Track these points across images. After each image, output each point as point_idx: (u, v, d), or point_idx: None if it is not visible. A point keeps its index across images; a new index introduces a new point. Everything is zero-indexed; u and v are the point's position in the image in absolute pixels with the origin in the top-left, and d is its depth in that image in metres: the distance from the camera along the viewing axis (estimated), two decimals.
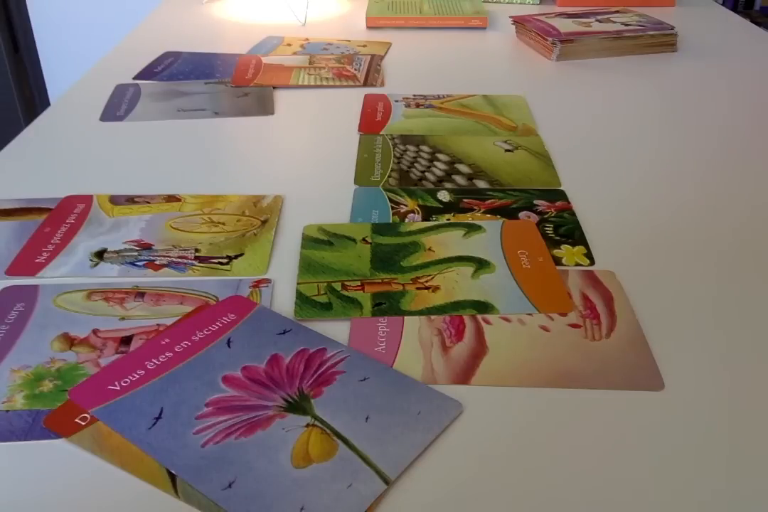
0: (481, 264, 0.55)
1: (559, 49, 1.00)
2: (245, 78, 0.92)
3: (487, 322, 0.49)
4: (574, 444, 0.40)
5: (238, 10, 1.25)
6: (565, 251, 0.57)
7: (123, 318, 0.49)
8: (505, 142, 0.75)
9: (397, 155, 0.72)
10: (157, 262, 0.55)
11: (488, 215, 0.62)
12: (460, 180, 0.68)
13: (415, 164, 0.70)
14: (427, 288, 0.52)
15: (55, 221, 0.60)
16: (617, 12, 1.11)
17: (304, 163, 0.71)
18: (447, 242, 0.57)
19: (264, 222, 0.60)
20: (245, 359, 0.45)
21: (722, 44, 1.07)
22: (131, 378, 0.43)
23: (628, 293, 0.52)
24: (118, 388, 0.43)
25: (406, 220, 0.61)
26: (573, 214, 0.62)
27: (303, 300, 0.51)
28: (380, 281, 0.53)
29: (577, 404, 0.43)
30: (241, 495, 0.36)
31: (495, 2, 1.29)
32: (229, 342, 0.46)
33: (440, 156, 0.72)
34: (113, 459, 0.39)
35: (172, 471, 0.38)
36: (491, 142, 0.75)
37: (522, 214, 0.62)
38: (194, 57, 1.00)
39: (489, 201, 0.64)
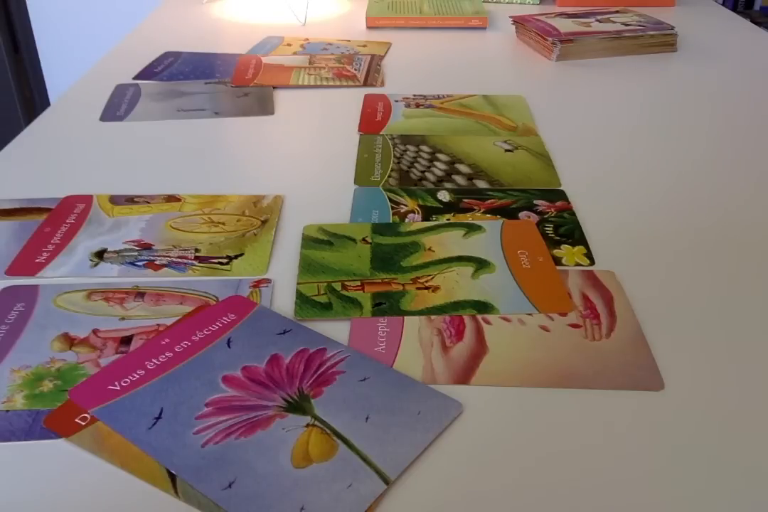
0: (481, 264, 0.55)
1: (559, 49, 1.00)
2: (245, 78, 0.92)
3: (487, 322, 0.49)
4: (574, 444, 0.40)
5: (238, 10, 1.25)
6: (565, 251, 0.57)
7: (123, 318, 0.49)
8: (505, 142, 0.75)
9: (397, 155, 0.72)
10: (157, 262, 0.55)
11: (488, 215, 0.62)
12: (460, 180, 0.68)
13: (415, 164, 0.70)
14: (427, 288, 0.52)
15: (55, 221, 0.60)
16: (617, 12, 1.11)
17: (304, 163, 0.71)
18: (447, 242, 0.57)
19: (264, 222, 0.60)
20: (245, 359, 0.45)
21: (722, 44, 1.07)
22: (131, 378, 0.43)
23: (628, 293, 0.52)
24: (118, 388, 0.43)
25: (406, 220, 0.61)
26: (573, 213, 0.62)
27: (303, 300, 0.51)
28: (380, 281, 0.53)
29: (577, 404, 0.43)
30: (241, 495, 0.36)
31: (495, 2, 1.29)
32: (229, 342, 0.46)
33: (440, 156, 0.72)
34: (113, 459, 0.39)
35: (172, 471, 0.38)
36: (491, 142, 0.75)
37: (522, 214, 0.62)
38: (194, 57, 1.00)
39: (489, 201, 0.64)
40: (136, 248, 0.57)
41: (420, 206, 0.63)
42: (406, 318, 0.49)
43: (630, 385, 0.44)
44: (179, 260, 0.55)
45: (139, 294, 0.52)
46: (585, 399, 0.43)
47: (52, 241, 0.58)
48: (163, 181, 0.68)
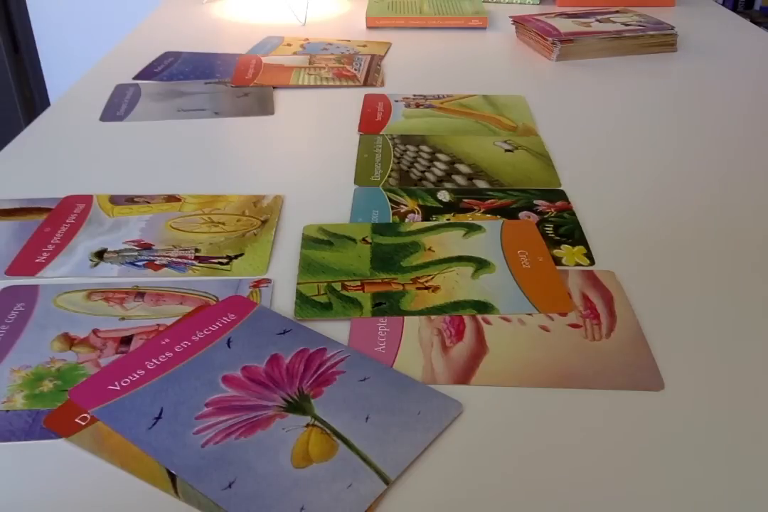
0: (481, 264, 0.55)
1: (559, 49, 1.00)
2: (245, 78, 0.92)
3: (487, 322, 0.49)
4: (574, 444, 0.40)
5: (238, 10, 1.25)
6: (565, 251, 0.57)
7: (123, 318, 0.49)
8: (505, 142, 0.75)
9: (397, 155, 0.72)
10: (157, 262, 0.55)
11: (488, 215, 0.62)
12: (460, 180, 0.68)
13: (415, 164, 0.70)
14: (427, 288, 0.52)
15: (55, 221, 0.60)
16: (617, 12, 1.11)
17: (304, 163, 0.71)
18: (447, 242, 0.57)
19: (264, 222, 0.60)
20: (245, 359, 0.45)
21: (722, 44, 1.07)
22: (131, 378, 0.43)
23: (628, 293, 0.52)
24: (118, 388, 0.43)
25: (406, 220, 0.61)
26: (573, 214, 0.62)
27: (303, 300, 0.51)
28: (380, 281, 0.53)
29: (577, 404, 0.43)
30: (241, 495, 0.36)
31: (495, 2, 1.29)
32: (229, 342, 0.46)
33: (440, 156, 0.72)
34: (113, 459, 0.39)
35: (172, 471, 0.38)
36: (491, 142, 0.75)
37: (522, 214, 0.62)
38: (194, 57, 1.00)
39: (489, 201, 0.64)
40: (136, 248, 0.57)
41: (420, 206, 0.63)
42: (406, 318, 0.49)
43: (630, 385, 0.44)
44: (179, 260, 0.55)
45: (139, 294, 0.52)
46: (585, 399, 0.43)
47: (52, 241, 0.58)
48: (163, 181, 0.68)
